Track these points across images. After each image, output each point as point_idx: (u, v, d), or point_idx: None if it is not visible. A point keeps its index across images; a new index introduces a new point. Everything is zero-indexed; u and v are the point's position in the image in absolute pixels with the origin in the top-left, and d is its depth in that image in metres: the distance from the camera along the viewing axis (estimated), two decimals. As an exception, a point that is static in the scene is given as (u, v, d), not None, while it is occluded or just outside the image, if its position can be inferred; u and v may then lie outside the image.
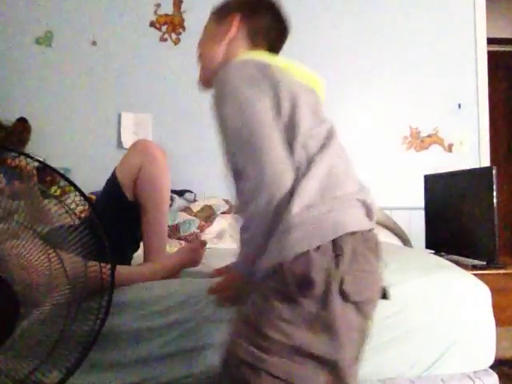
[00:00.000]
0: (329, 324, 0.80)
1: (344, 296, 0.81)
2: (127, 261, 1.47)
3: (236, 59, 1.02)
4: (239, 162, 0.91)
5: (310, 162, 0.90)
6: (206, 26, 1.16)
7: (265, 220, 0.87)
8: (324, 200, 0.87)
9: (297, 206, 0.85)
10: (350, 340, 0.83)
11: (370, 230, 0.93)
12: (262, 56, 1.03)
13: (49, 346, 0.93)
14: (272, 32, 1.11)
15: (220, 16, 1.12)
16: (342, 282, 0.81)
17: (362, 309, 0.85)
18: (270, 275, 0.85)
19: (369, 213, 0.93)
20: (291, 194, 0.86)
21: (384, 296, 0.95)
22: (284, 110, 0.93)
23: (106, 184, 1.43)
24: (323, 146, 0.93)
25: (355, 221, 0.88)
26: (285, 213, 0.85)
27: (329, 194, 0.88)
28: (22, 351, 0.92)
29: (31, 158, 0.91)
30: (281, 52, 1.15)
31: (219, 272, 1.23)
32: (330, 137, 0.97)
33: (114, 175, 1.40)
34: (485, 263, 1.94)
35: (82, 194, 0.97)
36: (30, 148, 2.64)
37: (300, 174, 0.88)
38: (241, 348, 0.80)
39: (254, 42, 1.10)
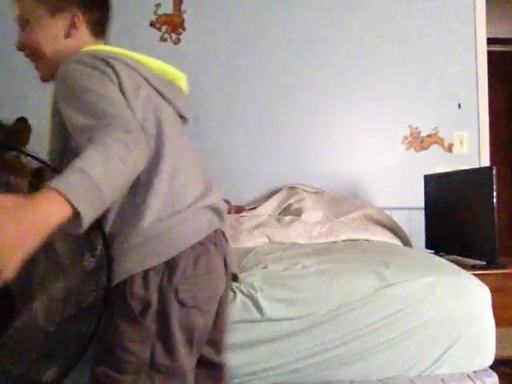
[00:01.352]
0: (170, 336, 0.86)
1: (182, 304, 0.87)
2: None
3: (71, 58, 0.99)
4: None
5: (151, 177, 0.90)
6: (31, 16, 1.11)
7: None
8: (166, 216, 0.89)
9: (148, 219, 0.87)
10: (191, 347, 0.89)
11: (217, 230, 0.97)
12: (116, 48, 1.06)
13: (45, 343, 0.92)
14: (106, 23, 1.15)
15: (55, 10, 1.08)
16: (176, 293, 0.86)
17: (204, 308, 0.92)
18: (114, 292, 0.87)
19: (217, 213, 0.98)
20: (143, 201, 0.88)
21: (234, 279, 1.13)
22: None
23: None
24: (158, 155, 0.92)
25: (196, 232, 0.92)
26: (139, 221, 0.87)
27: (170, 209, 0.90)
28: (18, 348, 0.91)
29: (33, 157, 0.91)
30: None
31: None
32: (161, 140, 0.95)
33: None
34: (485, 263, 1.94)
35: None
36: (29, 148, 2.63)
37: (144, 188, 0.89)
38: (98, 370, 0.84)
39: (97, 35, 1.12)
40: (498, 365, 1.33)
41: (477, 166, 2.93)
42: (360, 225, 2.30)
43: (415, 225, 2.71)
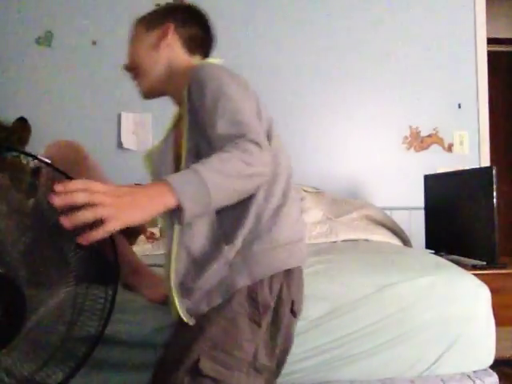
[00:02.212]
0: (275, 340, 0.94)
1: (293, 314, 0.97)
2: None
3: (203, 63, 1.04)
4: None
5: (289, 187, 0.99)
6: (133, 37, 1.18)
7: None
8: (297, 228, 1.00)
9: (281, 228, 0.95)
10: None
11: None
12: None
13: (53, 346, 0.93)
14: (205, 41, 1.18)
15: (150, 25, 1.15)
16: (292, 304, 0.96)
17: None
18: (232, 298, 0.91)
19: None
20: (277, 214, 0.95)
21: None
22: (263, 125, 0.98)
23: None
24: (277, 174, 0.99)
25: (303, 256, 1.01)
26: (272, 226, 0.93)
27: (300, 223, 1.01)
28: (26, 351, 0.92)
29: (33, 156, 0.91)
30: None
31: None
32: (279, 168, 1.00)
33: None
34: (485, 263, 1.95)
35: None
36: (29, 148, 2.63)
37: (282, 198, 0.97)
38: (206, 366, 0.87)
39: (191, 51, 1.14)
40: (498, 365, 1.33)
41: (477, 166, 2.93)
42: (360, 225, 2.30)
43: (415, 225, 2.71)
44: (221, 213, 0.92)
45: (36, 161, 0.90)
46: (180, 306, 0.93)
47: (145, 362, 1.16)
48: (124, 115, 2.86)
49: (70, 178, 0.93)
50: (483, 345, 1.27)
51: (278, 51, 2.91)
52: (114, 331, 1.13)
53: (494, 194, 1.90)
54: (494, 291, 1.31)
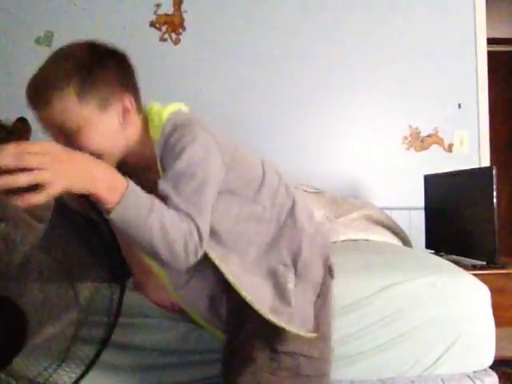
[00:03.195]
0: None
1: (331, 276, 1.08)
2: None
3: (171, 119, 0.96)
4: None
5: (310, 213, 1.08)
6: (73, 120, 0.87)
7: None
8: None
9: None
10: None
11: None
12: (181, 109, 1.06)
13: (59, 348, 0.93)
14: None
15: (100, 102, 0.90)
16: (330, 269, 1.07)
17: None
18: None
19: None
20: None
21: None
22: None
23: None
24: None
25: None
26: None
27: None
28: (34, 352, 0.92)
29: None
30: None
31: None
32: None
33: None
34: (485, 263, 1.94)
35: (85, 197, 0.96)
36: (30, 148, 2.63)
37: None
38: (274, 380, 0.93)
39: (138, 104, 1.01)
40: (498, 365, 1.33)
41: (477, 166, 2.93)
42: (360, 225, 2.30)
43: (415, 225, 2.71)
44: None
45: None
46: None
47: (150, 365, 1.16)
48: (124, 115, 2.86)
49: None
50: (483, 345, 1.27)
51: (276, 49, 2.91)
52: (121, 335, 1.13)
53: (494, 194, 1.90)
54: (494, 291, 1.31)
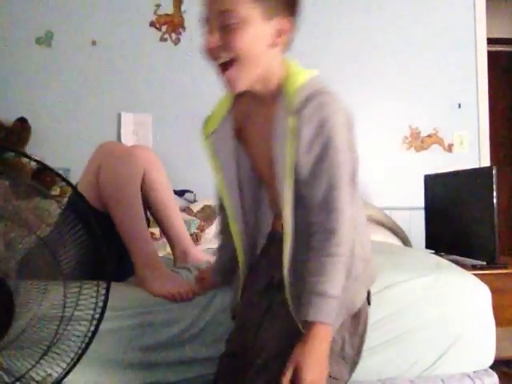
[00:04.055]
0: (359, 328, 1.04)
1: (368, 303, 1.07)
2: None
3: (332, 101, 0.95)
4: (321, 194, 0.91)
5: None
6: (242, 18, 0.90)
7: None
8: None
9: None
10: None
11: None
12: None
13: (46, 343, 0.93)
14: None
15: (269, 12, 0.91)
16: (368, 294, 1.06)
17: None
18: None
19: None
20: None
21: None
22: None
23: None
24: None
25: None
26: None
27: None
28: (21, 348, 0.92)
29: (31, 158, 0.91)
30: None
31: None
32: None
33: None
34: (485, 263, 1.94)
35: (80, 195, 0.97)
36: (29, 148, 2.63)
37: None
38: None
39: (287, 47, 1.00)
40: (498, 365, 1.33)
41: (477, 166, 2.93)
42: (360, 225, 2.30)
43: (415, 225, 2.71)
44: None
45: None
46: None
47: (143, 361, 1.16)
48: (124, 115, 2.86)
49: (67, 182, 0.93)
50: (483, 345, 1.27)
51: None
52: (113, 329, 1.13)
53: (494, 193, 1.90)
54: (494, 291, 1.31)
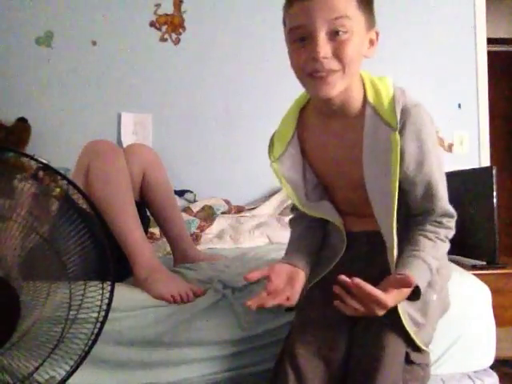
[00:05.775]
0: None
1: None
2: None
3: (412, 100, 1.02)
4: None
5: None
6: (353, 22, 0.91)
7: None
8: None
9: None
10: None
11: None
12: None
13: (50, 345, 0.93)
14: None
15: (369, 23, 0.97)
16: None
17: None
18: None
19: None
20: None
21: None
22: None
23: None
24: None
25: None
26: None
27: None
28: (24, 350, 0.92)
29: (31, 158, 0.91)
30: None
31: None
32: None
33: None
34: (485, 263, 1.94)
35: (82, 193, 0.97)
36: (30, 148, 2.63)
37: None
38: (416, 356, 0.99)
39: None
40: (498, 365, 1.32)
41: (477, 166, 2.92)
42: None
43: (415, 225, 2.70)
44: None
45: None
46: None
47: (145, 361, 1.16)
48: (124, 115, 2.86)
49: (68, 181, 0.93)
50: (483, 345, 1.27)
51: (275, 49, 2.91)
52: (113, 329, 1.13)
53: (494, 194, 1.89)
54: (494, 291, 1.31)
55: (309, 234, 1.16)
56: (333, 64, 0.91)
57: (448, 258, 1.09)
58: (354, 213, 1.12)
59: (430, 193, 1.01)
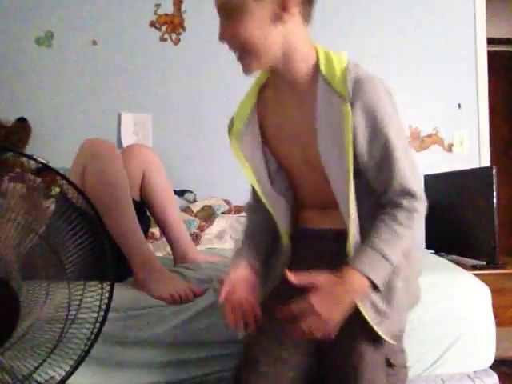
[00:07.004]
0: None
1: None
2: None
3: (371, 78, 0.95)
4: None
5: None
6: (236, 6, 0.94)
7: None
8: None
9: None
10: None
11: None
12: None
13: (49, 345, 0.93)
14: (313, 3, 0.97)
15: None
16: None
17: None
18: None
19: None
20: None
21: None
22: None
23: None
24: None
25: None
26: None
27: None
28: (24, 350, 0.92)
29: (31, 158, 0.91)
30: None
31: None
32: None
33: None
34: (485, 263, 1.94)
35: (81, 193, 0.97)
36: (29, 148, 2.63)
37: None
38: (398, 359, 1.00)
39: (306, 19, 0.97)
40: (498, 365, 1.33)
41: (477, 166, 2.92)
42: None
43: (415, 225, 2.70)
44: None
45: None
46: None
47: (145, 361, 1.16)
48: (124, 115, 2.86)
49: (68, 181, 0.93)
50: (483, 345, 1.27)
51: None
52: (113, 329, 1.13)
53: (494, 194, 1.89)
54: (494, 291, 1.31)
55: (263, 228, 1.11)
56: (233, 45, 0.98)
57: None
58: (319, 203, 1.04)
59: (386, 161, 0.91)
